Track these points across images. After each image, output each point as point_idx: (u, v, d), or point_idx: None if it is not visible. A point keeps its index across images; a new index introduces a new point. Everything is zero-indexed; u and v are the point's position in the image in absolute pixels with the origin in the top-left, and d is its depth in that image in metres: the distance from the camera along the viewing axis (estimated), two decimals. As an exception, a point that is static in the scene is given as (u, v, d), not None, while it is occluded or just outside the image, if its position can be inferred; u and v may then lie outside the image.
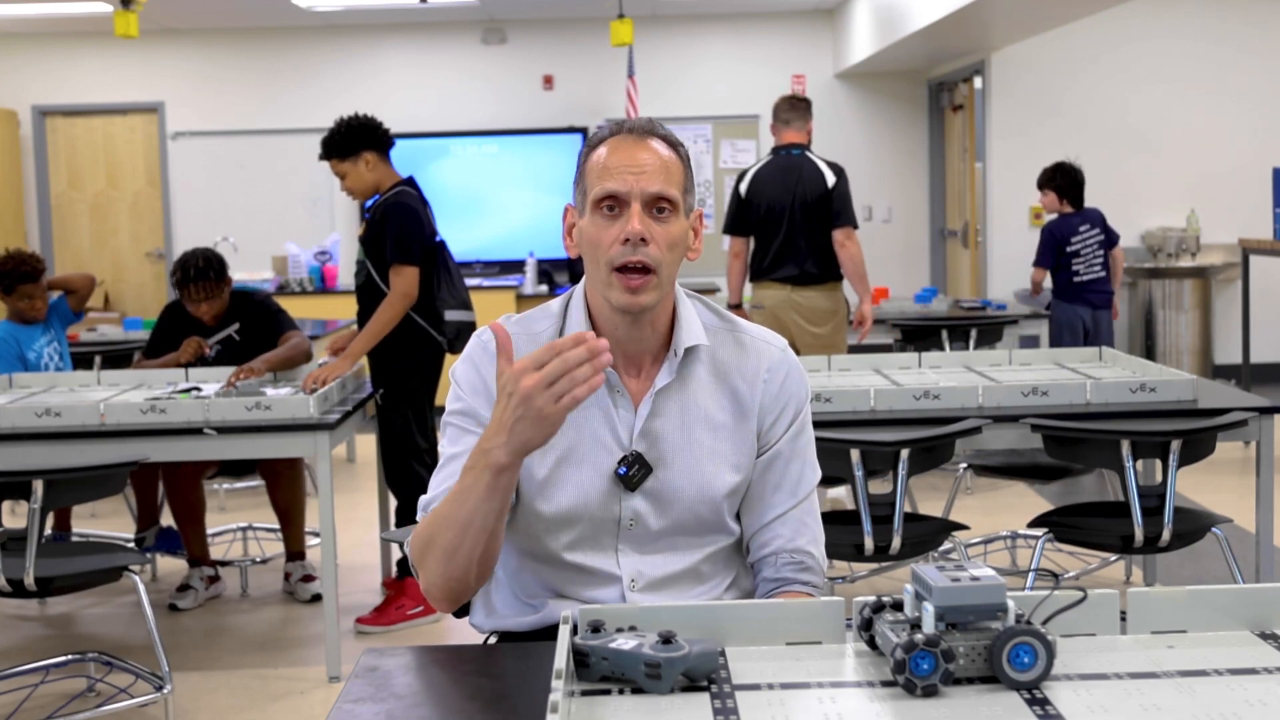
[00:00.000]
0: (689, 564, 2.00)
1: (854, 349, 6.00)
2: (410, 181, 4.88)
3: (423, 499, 2.00)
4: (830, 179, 5.88)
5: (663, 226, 1.92)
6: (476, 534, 1.81)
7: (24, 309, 5.25)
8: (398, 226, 4.69)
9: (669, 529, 1.98)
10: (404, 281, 4.68)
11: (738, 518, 2.05)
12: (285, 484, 5.03)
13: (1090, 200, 9.51)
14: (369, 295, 4.82)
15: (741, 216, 6.03)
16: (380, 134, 4.82)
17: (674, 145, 1.98)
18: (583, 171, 1.98)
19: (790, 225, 5.89)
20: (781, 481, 2.02)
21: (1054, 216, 7.23)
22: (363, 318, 4.86)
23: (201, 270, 4.93)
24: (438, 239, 4.85)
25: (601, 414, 1.98)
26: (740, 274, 6.11)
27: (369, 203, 4.92)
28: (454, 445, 1.99)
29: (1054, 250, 7.10)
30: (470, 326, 4.88)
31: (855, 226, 5.93)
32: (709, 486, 1.97)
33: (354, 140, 4.77)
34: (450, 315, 4.81)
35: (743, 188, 6.03)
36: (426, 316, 4.78)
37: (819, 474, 2.08)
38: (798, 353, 5.85)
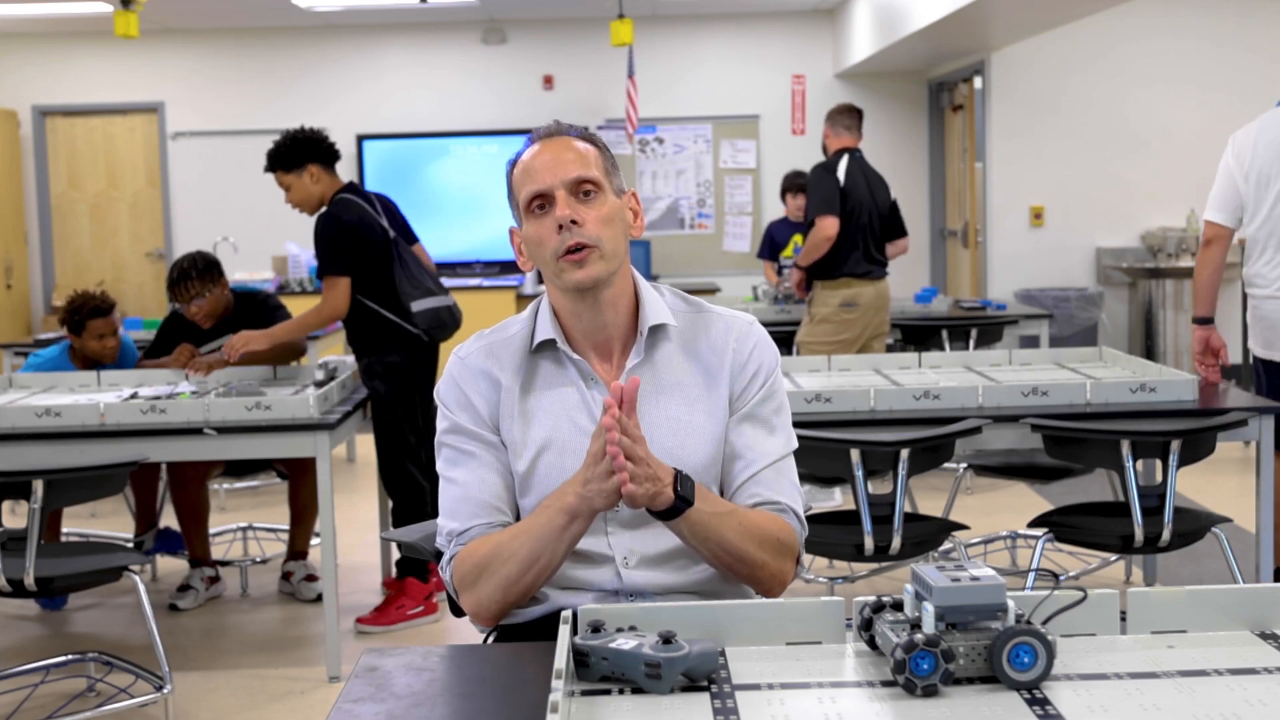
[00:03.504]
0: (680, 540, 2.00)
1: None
2: (350, 187, 4.87)
3: (447, 527, 2.04)
4: (892, 192, 6.43)
5: (591, 207, 2.01)
6: (541, 570, 1.94)
7: (95, 349, 5.07)
8: (324, 240, 4.72)
9: None
10: (334, 294, 4.70)
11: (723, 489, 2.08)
12: (310, 482, 4.98)
13: (1090, 200, 9.56)
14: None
15: (840, 202, 6.16)
16: (325, 146, 4.81)
17: (587, 138, 2.08)
18: (511, 189, 2.08)
19: (872, 225, 6.25)
20: (754, 442, 2.05)
21: (781, 219, 8.11)
22: (347, 326, 4.88)
23: (185, 271, 4.91)
24: (390, 236, 4.85)
25: (579, 402, 2.03)
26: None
27: None
28: (452, 468, 2.06)
29: None
30: (442, 312, 4.87)
31: None
32: (687, 461, 2.00)
33: (299, 152, 4.76)
34: (417, 306, 4.80)
35: (840, 175, 6.21)
36: (396, 313, 4.78)
37: (794, 441, 2.11)
38: (871, 345, 6.11)
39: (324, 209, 4.78)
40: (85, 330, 5.06)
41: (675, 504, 1.88)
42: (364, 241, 4.73)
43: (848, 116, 6.38)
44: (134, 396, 4.40)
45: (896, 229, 6.39)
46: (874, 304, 6.22)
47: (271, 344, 4.79)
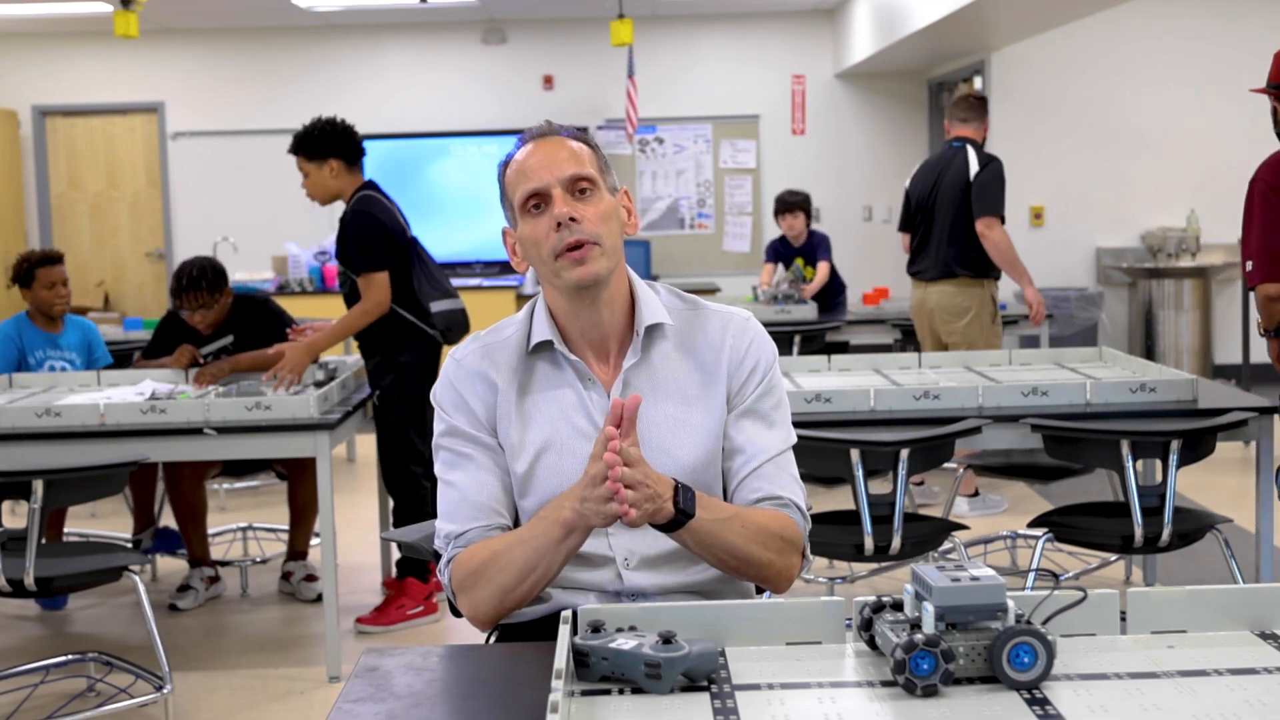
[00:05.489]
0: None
1: (856, 349, 6.05)
2: (372, 185, 4.86)
3: (444, 529, 2.04)
4: (974, 169, 5.78)
5: (588, 204, 2.00)
6: (537, 579, 1.93)
7: (47, 299, 5.07)
8: (358, 234, 4.68)
9: None
10: (375, 289, 4.68)
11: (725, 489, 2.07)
12: (309, 482, 4.97)
13: (1091, 200, 9.56)
14: (355, 303, 4.83)
15: (904, 213, 6.17)
16: (353, 144, 4.80)
17: (579, 137, 2.08)
18: (504, 190, 2.06)
19: (930, 220, 5.95)
20: (754, 437, 2.05)
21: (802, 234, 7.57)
22: None
23: (194, 279, 4.91)
24: (410, 235, 4.85)
25: (576, 403, 2.03)
26: None
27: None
28: (449, 470, 2.05)
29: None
30: (459, 314, 4.89)
31: (998, 216, 5.76)
32: (684, 459, 2.00)
33: (325, 144, 4.76)
34: (436, 306, 4.81)
35: (907, 183, 6.17)
36: (414, 312, 4.78)
37: (793, 435, 2.10)
38: (944, 348, 5.84)
39: (353, 206, 4.76)
40: (35, 280, 5.06)
41: (676, 517, 1.88)
42: (392, 240, 4.73)
43: (961, 108, 6.01)
44: (153, 396, 4.41)
45: (977, 210, 5.76)
46: (918, 305, 6.04)
47: (314, 355, 4.75)
